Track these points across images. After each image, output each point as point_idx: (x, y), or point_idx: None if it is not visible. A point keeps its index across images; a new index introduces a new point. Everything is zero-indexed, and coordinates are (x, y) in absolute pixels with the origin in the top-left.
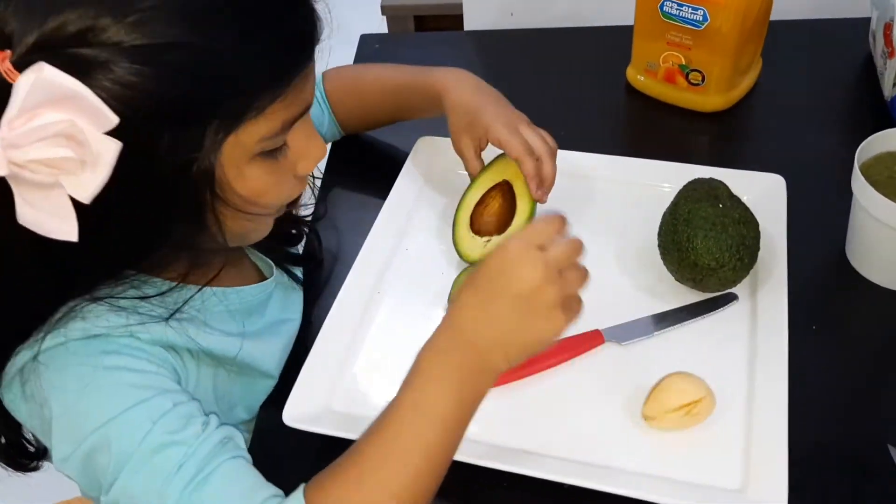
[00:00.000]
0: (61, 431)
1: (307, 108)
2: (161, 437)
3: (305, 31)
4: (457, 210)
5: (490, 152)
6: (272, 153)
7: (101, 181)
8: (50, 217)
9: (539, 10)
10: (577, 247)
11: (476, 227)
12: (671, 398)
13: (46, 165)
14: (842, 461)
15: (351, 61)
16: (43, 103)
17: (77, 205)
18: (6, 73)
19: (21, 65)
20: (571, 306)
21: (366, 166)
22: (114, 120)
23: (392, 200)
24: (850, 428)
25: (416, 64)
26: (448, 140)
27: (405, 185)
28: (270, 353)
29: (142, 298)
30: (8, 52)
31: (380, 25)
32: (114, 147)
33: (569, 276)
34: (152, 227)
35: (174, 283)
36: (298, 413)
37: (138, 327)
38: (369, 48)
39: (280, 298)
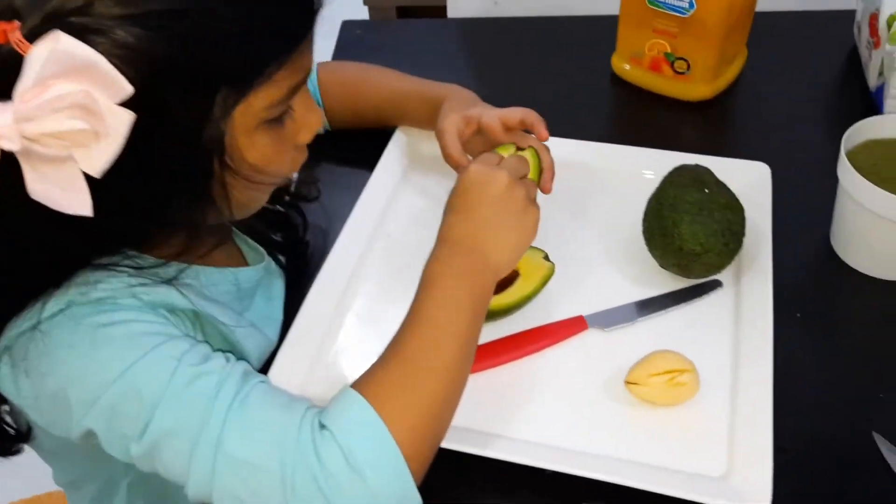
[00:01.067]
0: (78, 390)
1: (308, 75)
2: (189, 370)
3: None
4: None
5: None
6: (278, 120)
7: (113, 153)
8: (62, 191)
9: (522, 0)
10: (524, 161)
11: None
12: (657, 363)
13: (60, 138)
14: (827, 449)
15: (331, 55)
16: (57, 74)
17: (86, 178)
18: (17, 43)
19: (31, 37)
20: (535, 203)
21: (349, 152)
22: (128, 89)
23: (373, 184)
24: (835, 415)
25: (398, 51)
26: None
27: (387, 169)
28: (253, 348)
29: (138, 269)
30: (16, 23)
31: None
32: (127, 118)
33: (528, 181)
34: (160, 199)
35: (162, 261)
36: None
37: (140, 288)
38: (351, 35)
39: (266, 290)
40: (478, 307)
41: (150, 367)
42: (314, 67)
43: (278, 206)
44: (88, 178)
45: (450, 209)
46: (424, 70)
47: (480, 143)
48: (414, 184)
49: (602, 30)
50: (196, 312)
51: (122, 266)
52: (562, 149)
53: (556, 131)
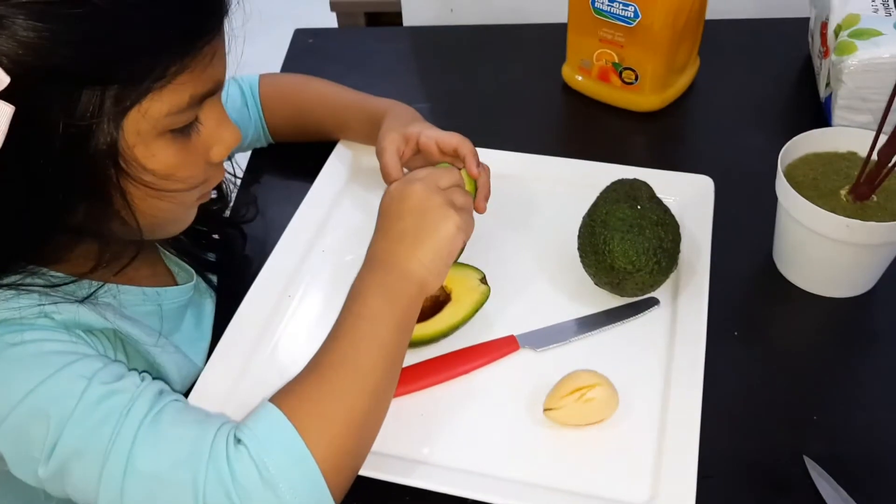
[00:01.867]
0: None
1: (218, 87)
2: (100, 388)
3: (211, 1)
4: None
5: None
6: (183, 130)
7: None
8: None
9: (480, 6)
10: (450, 170)
11: None
12: (567, 384)
13: None
14: (756, 473)
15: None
16: None
17: None
18: None
19: None
20: (461, 210)
21: (288, 168)
22: (4, 80)
23: (311, 198)
24: (766, 438)
25: (351, 59)
26: None
27: (327, 182)
28: (176, 370)
29: (50, 286)
30: None
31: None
32: (6, 111)
33: (449, 188)
34: (50, 204)
35: (73, 278)
36: None
37: (51, 307)
38: (303, 43)
39: (196, 310)
40: (401, 318)
41: (59, 387)
42: (256, 79)
43: (210, 229)
44: None
45: (375, 230)
46: (377, 78)
47: (420, 161)
48: (354, 198)
49: (556, 38)
50: (115, 331)
51: (31, 285)
52: (502, 160)
53: (504, 142)
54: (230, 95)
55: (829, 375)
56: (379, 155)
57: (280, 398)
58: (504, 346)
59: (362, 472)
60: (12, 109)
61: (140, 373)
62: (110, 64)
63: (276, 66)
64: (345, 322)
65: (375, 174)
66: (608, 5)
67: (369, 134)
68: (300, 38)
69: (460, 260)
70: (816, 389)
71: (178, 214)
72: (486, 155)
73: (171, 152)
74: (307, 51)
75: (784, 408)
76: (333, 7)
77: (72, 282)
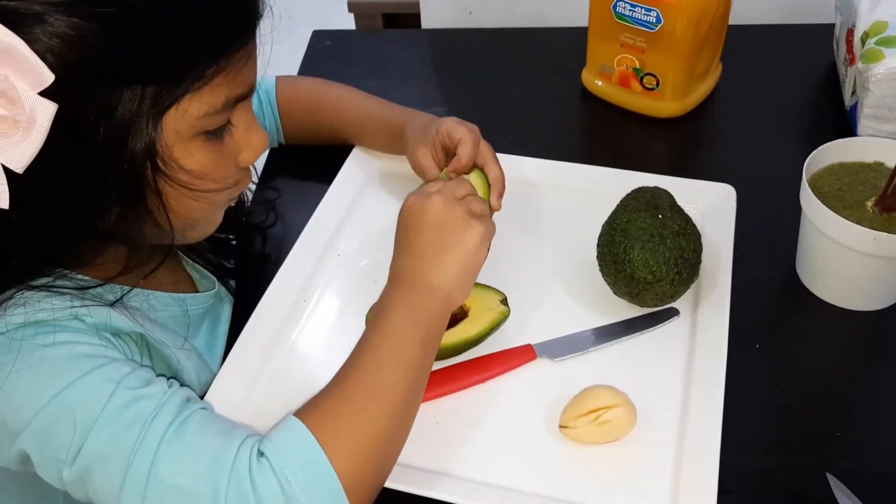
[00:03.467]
0: (13, 411)
1: (250, 91)
2: (127, 393)
3: (248, 2)
4: None
5: None
6: (216, 133)
7: (35, 147)
8: None
9: (499, 10)
10: (464, 182)
11: None
12: (583, 403)
13: None
14: (778, 490)
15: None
16: None
17: (8, 178)
18: None
19: None
20: (481, 218)
21: (304, 170)
22: (49, 77)
23: (327, 203)
24: (788, 454)
25: (370, 60)
26: None
27: (343, 186)
28: (195, 375)
29: (81, 289)
30: None
31: (349, 23)
32: (49, 109)
33: (466, 198)
34: (90, 203)
35: (99, 282)
36: None
37: (82, 310)
38: (321, 45)
39: (213, 317)
40: (426, 335)
41: (87, 389)
42: (273, 81)
43: (230, 235)
44: (13, 176)
45: (395, 245)
46: (395, 81)
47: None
48: (370, 202)
49: (576, 42)
50: (142, 335)
51: (62, 287)
52: (519, 166)
53: (521, 147)
54: None
55: (853, 390)
56: (418, 169)
57: (304, 413)
58: (521, 355)
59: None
60: (55, 107)
61: (168, 378)
62: (150, 63)
63: (292, 66)
64: (369, 340)
65: (392, 179)
66: (630, 10)
67: (387, 144)
68: (318, 40)
69: (482, 280)
70: (840, 404)
71: (209, 215)
72: (504, 160)
73: (205, 153)
74: (325, 53)
75: (806, 423)
76: (351, 8)
77: (100, 285)
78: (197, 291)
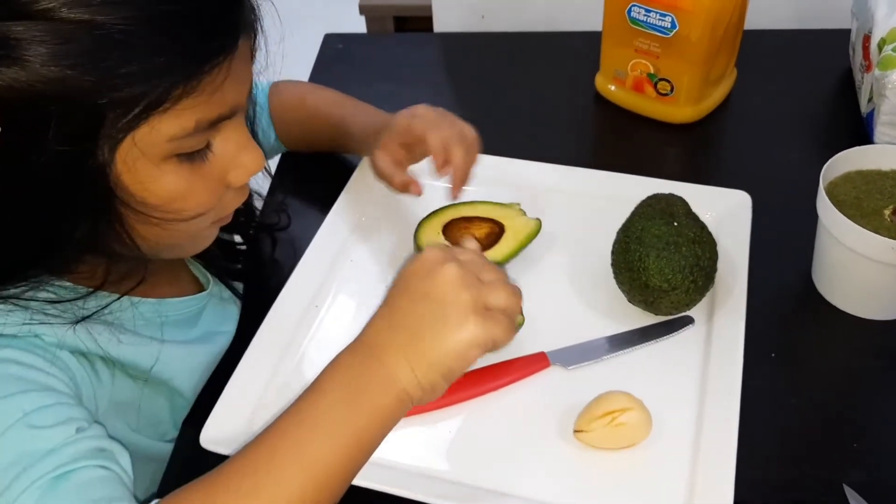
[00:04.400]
0: None
1: (233, 111)
2: (25, 431)
3: (218, 18)
4: (438, 210)
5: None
6: (191, 156)
7: None
8: None
9: (511, 14)
10: (490, 266)
11: (447, 233)
12: (598, 406)
13: None
14: (793, 501)
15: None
16: None
17: None
18: None
19: None
20: (494, 317)
21: (318, 172)
22: None
23: (337, 210)
24: (804, 465)
25: (381, 63)
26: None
27: (352, 194)
28: (190, 370)
29: (53, 302)
30: None
31: (360, 25)
32: None
33: (491, 283)
34: (48, 223)
35: (89, 290)
36: (218, 435)
37: (42, 327)
38: (332, 48)
39: (214, 312)
40: (358, 428)
41: None
42: (267, 87)
43: (237, 237)
44: None
45: (386, 294)
46: (407, 84)
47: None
48: (382, 208)
49: (590, 47)
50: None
51: (31, 299)
52: (532, 172)
53: (534, 152)
54: None
55: (871, 400)
56: (381, 177)
57: (168, 501)
58: (534, 363)
59: (389, 489)
60: None
61: (91, 424)
62: (98, 89)
63: (303, 68)
64: (281, 419)
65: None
66: (645, 15)
67: (356, 148)
68: (330, 43)
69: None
70: (857, 415)
71: (181, 241)
72: (516, 166)
73: (178, 177)
74: (336, 56)
75: (823, 433)
76: (363, 11)
77: (75, 298)
78: (200, 288)
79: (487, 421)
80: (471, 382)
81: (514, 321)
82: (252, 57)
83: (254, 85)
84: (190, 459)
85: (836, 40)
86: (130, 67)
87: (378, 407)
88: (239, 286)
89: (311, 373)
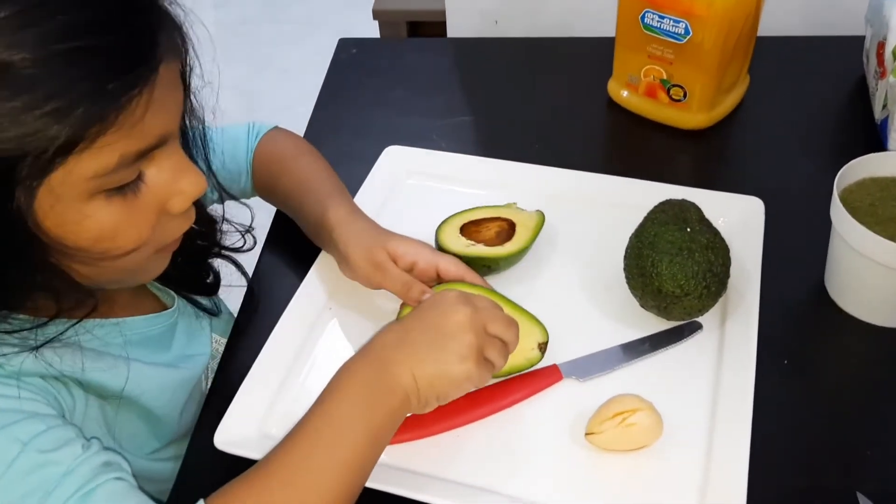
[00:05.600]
0: None
1: (160, 141)
2: (34, 457)
3: (128, 49)
4: (454, 214)
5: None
6: (121, 189)
7: None
8: None
9: (525, 19)
10: (511, 322)
11: (465, 232)
12: (608, 409)
13: None
14: None
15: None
16: None
17: None
18: None
19: None
20: (486, 366)
21: None
22: None
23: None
24: (817, 473)
25: (395, 69)
26: (416, 150)
27: (367, 196)
28: (170, 391)
29: (8, 333)
30: None
31: (373, 30)
32: None
33: (492, 340)
34: None
35: (43, 320)
36: (231, 436)
37: (2, 358)
38: (346, 53)
39: (188, 332)
40: (375, 431)
41: None
42: (265, 129)
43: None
44: None
45: (403, 318)
46: (420, 90)
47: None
48: (393, 212)
49: (603, 52)
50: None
51: None
52: (545, 177)
53: (546, 157)
54: (231, 136)
55: (884, 408)
56: (378, 282)
57: (216, 499)
58: (547, 376)
59: (405, 494)
60: None
61: (90, 439)
62: (15, 132)
63: (316, 71)
64: (310, 421)
65: (414, 191)
66: (658, 21)
67: (314, 231)
68: (343, 48)
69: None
70: (870, 423)
71: (119, 276)
72: (529, 171)
73: (107, 214)
74: (350, 61)
75: (836, 441)
76: (376, 15)
77: (31, 328)
78: (163, 307)
79: (501, 433)
80: (481, 400)
81: (492, 372)
82: (185, 78)
83: (250, 125)
84: (203, 461)
85: (850, 47)
86: (34, 112)
87: (389, 407)
88: (203, 301)
89: (323, 374)
